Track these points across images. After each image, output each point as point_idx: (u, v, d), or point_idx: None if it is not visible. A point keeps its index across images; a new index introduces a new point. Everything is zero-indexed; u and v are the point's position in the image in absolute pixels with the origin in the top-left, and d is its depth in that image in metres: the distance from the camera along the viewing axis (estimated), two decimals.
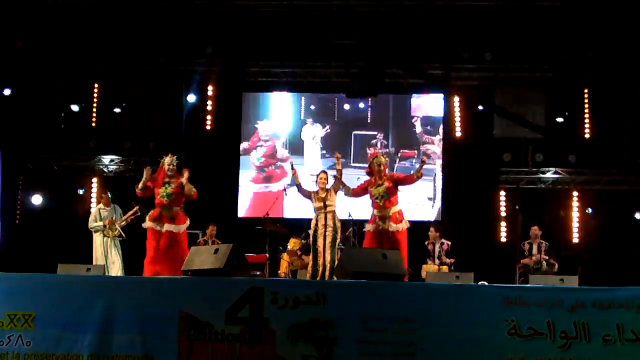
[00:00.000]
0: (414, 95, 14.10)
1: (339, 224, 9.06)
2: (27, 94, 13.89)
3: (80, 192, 13.92)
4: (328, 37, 13.41)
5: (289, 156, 13.86)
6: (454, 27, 13.44)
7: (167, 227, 8.84)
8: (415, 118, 14.04)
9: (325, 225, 8.96)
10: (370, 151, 13.94)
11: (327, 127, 14.10)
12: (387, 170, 9.29)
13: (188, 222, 9.09)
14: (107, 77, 14.20)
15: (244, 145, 14.19)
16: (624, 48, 13.31)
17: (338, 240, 9.10)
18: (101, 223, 10.92)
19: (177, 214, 8.97)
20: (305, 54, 13.78)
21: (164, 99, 14.08)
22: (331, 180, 9.28)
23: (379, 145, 13.98)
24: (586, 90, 13.76)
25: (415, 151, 13.94)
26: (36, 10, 13.54)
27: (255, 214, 13.26)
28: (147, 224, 8.95)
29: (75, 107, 13.95)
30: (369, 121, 14.08)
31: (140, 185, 9.06)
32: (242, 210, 14.01)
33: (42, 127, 14.03)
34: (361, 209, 13.53)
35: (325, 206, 9.01)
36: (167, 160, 9.11)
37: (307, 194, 9.19)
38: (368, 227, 9.06)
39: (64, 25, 13.70)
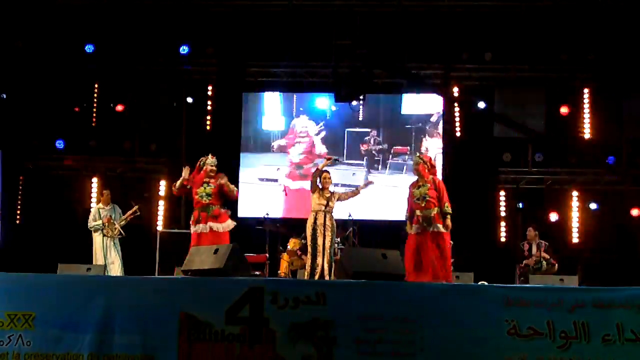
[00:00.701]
0: (413, 95, 14.10)
1: (334, 224, 9.11)
2: (27, 94, 13.90)
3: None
4: (327, 37, 13.41)
5: (327, 152, 13.80)
6: (454, 27, 13.45)
7: (210, 225, 8.71)
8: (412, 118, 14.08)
9: (325, 224, 8.99)
10: (363, 147, 13.98)
11: (322, 124, 14.11)
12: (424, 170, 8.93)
13: (229, 221, 8.97)
14: (107, 77, 14.21)
15: (280, 142, 14.14)
16: (624, 48, 13.31)
17: (337, 240, 9.13)
18: (100, 222, 10.92)
19: (219, 213, 8.84)
20: (305, 54, 13.79)
21: (164, 99, 14.09)
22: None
23: (372, 141, 13.98)
24: (586, 90, 13.77)
25: (408, 147, 13.92)
26: (36, 10, 13.54)
27: (293, 213, 13.28)
28: (192, 229, 8.81)
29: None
30: (361, 119, 14.06)
31: (177, 183, 8.97)
32: (280, 210, 13.76)
33: (42, 127, 14.03)
34: (361, 209, 13.64)
35: (327, 205, 9.05)
36: (210, 160, 8.97)
37: (314, 186, 9.20)
38: (412, 229, 8.80)
39: (64, 25, 13.70)
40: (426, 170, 8.85)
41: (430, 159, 9.14)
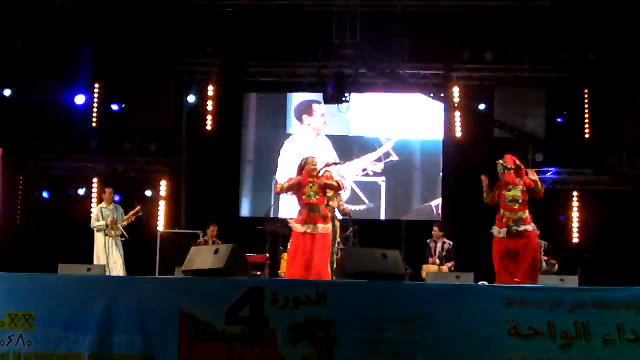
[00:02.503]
0: (413, 94, 14.10)
1: (337, 224, 9.10)
2: (27, 94, 13.91)
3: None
4: (328, 37, 13.41)
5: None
6: (454, 27, 13.45)
7: (321, 228, 8.48)
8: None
9: None
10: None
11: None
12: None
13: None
14: (108, 77, 14.21)
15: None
16: (624, 48, 13.31)
17: (337, 240, 9.11)
18: (104, 222, 10.90)
19: (326, 213, 8.66)
20: (305, 54, 13.79)
21: (164, 99, 14.09)
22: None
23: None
24: (586, 90, 13.77)
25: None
26: (36, 11, 13.54)
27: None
28: (296, 227, 8.55)
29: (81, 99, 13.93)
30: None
31: (285, 185, 8.71)
32: (280, 210, 13.67)
33: (42, 127, 14.04)
34: (371, 206, 13.65)
35: (327, 205, 9.05)
36: (311, 160, 8.75)
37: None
38: (499, 231, 8.60)
39: (64, 25, 13.70)
40: (513, 174, 8.70)
41: (515, 159, 8.90)
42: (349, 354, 6.56)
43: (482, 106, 13.92)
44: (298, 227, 8.48)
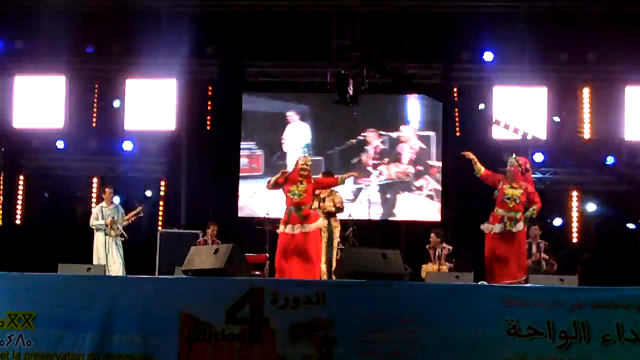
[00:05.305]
0: (412, 94, 14.10)
1: (335, 224, 9.05)
2: (27, 94, 13.91)
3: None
4: (327, 38, 13.40)
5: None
6: (454, 27, 13.44)
7: (298, 228, 8.51)
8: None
9: None
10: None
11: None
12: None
13: (320, 220, 8.80)
14: (108, 77, 14.20)
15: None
16: (624, 48, 13.30)
17: (335, 241, 9.06)
18: (103, 222, 10.89)
19: (307, 214, 8.64)
20: (305, 54, 13.77)
21: (164, 98, 14.09)
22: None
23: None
24: (586, 90, 13.76)
25: None
26: (36, 11, 13.53)
27: None
28: (280, 229, 8.68)
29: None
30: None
31: (272, 180, 8.80)
32: (280, 210, 13.53)
33: (42, 127, 14.04)
34: (360, 209, 13.63)
35: (318, 207, 9.05)
36: (302, 160, 8.82)
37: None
38: (492, 228, 8.72)
39: (64, 25, 13.68)
40: (520, 174, 8.76)
41: (527, 161, 8.97)
42: (348, 354, 6.57)
43: (481, 106, 13.90)
44: (280, 227, 8.63)
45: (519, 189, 8.68)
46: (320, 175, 9.32)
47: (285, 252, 8.46)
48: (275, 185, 8.72)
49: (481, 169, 8.99)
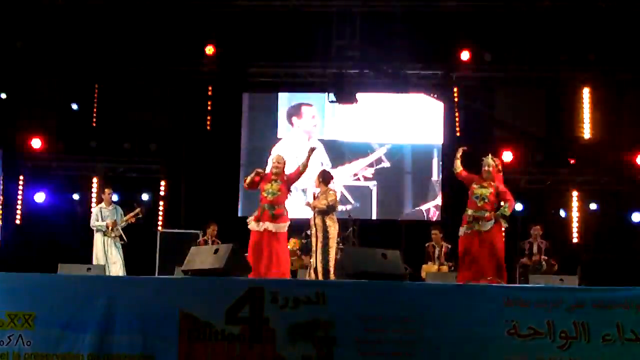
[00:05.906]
0: (412, 95, 14.09)
1: (330, 223, 8.98)
2: (27, 94, 13.91)
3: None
4: (327, 38, 13.40)
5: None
6: (454, 27, 13.44)
7: (268, 226, 8.59)
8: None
9: (315, 224, 9.00)
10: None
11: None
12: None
13: (289, 222, 8.82)
14: (107, 77, 14.21)
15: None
16: (624, 48, 13.31)
17: (332, 240, 9.01)
18: (103, 223, 10.87)
19: (280, 214, 8.69)
20: (305, 54, 13.78)
21: (164, 99, 14.09)
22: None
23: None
24: (586, 90, 13.77)
25: None
26: (36, 11, 13.53)
27: (293, 213, 13.22)
28: (251, 225, 8.73)
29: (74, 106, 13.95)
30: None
31: (247, 179, 8.86)
32: None
33: (42, 127, 14.04)
34: (361, 208, 13.64)
35: (312, 205, 9.06)
36: (275, 158, 8.88)
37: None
38: (462, 230, 8.71)
39: (64, 25, 13.69)
40: (492, 173, 8.76)
41: (502, 161, 8.97)
42: (348, 354, 6.56)
43: (481, 105, 13.89)
44: (251, 224, 8.72)
45: (489, 188, 8.69)
46: (316, 177, 9.28)
47: (255, 251, 8.58)
48: (252, 184, 8.83)
49: (459, 167, 9.01)
